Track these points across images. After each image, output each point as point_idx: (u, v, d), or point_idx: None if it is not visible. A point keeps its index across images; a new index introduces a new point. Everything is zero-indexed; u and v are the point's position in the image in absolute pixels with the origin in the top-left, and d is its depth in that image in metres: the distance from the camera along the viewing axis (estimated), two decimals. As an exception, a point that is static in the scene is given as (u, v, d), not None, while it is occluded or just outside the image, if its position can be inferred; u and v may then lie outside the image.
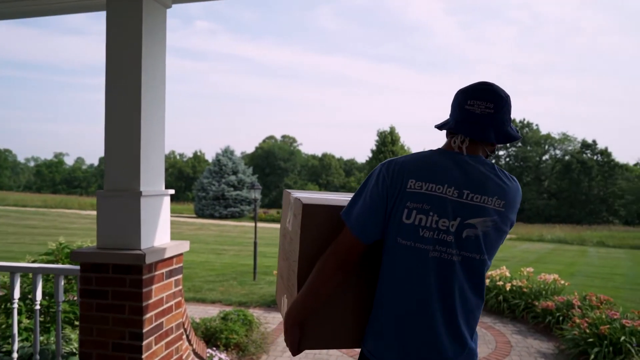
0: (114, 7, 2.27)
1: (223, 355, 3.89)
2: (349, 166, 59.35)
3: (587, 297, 5.52)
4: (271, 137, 64.35)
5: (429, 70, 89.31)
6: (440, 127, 1.39)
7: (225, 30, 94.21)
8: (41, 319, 3.33)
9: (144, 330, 2.18)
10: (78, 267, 2.34)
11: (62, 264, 3.69)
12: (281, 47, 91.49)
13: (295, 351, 1.36)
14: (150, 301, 2.21)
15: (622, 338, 4.12)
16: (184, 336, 2.63)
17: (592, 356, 4.08)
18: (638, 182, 40.83)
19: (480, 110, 1.29)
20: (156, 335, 2.29)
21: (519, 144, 44.99)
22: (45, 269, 2.66)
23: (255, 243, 8.21)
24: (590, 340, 4.24)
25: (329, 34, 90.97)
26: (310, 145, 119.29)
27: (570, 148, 44.98)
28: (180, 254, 2.53)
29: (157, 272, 2.27)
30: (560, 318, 5.10)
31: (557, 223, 31.33)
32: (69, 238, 5.42)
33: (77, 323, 3.34)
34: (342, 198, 1.50)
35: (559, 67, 76.59)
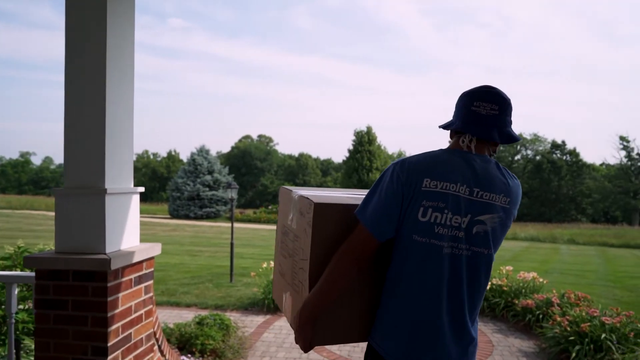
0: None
1: (198, 364, 3.69)
2: (326, 166, 59.39)
3: (566, 295, 5.56)
4: (247, 137, 63.82)
5: (403, 72, 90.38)
6: (445, 127, 1.45)
7: (200, 28, 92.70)
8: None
9: (110, 344, 1.96)
10: (33, 275, 2.09)
11: (21, 270, 3.40)
12: (257, 46, 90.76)
13: (307, 348, 1.38)
14: (117, 311, 1.99)
15: (603, 335, 4.13)
16: (156, 347, 2.42)
17: (574, 354, 4.08)
18: (604, 182, 42.42)
19: (486, 112, 1.36)
20: (123, 348, 2.08)
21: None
22: (-7, 276, 2.39)
23: (231, 244, 8.04)
24: (571, 338, 4.23)
25: (304, 34, 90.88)
26: (287, 145, 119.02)
27: (541, 148, 46.25)
28: (151, 258, 2.32)
29: (124, 279, 2.06)
30: (540, 316, 5.11)
31: (529, 222, 32.14)
32: (32, 241, 5.07)
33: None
34: (345, 195, 1.54)
35: (529, 70, 78.86)
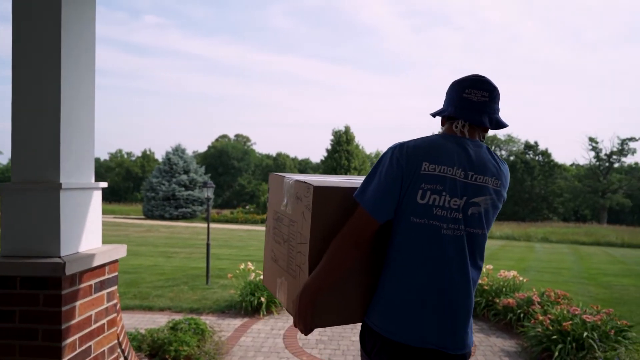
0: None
1: (171, 372, 3.47)
2: (304, 165, 59.19)
3: (546, 293, 5.56)
4: (224, 136, 63.05)
5: (380, 73, 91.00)
6: (437, 114, 1.50)
7: (176, 26, 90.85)
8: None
9: None
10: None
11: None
12: (233, 45, 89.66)
13: (308, 331, 1.40)
14: (73, 322, 1.75)
15: (585, 334, 4.10)
16: (121, 359, 2.19)
17: (556, 353, 4.04)
18: (574, 182, 43.74)
19: (477, 98, 1.42)
20: (82, 362, 1.84)
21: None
22: None
23: (207, 244, 7.79)
24: (554, 337, 4.20)
25: (282, 33, 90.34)
26: (264, 144, 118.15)
27: (514, 149, 47.33)
28: (115, 261, 2.09)
29: (82, 285, 1.82)
30: (521, 315, 5.08)
31: (503, 220, 32.77)
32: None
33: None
34: (340, 180, 1.56)
35: (502, 72, 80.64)
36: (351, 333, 4.81)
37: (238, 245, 14.64)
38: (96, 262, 1.90)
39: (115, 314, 2.08)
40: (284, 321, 5.27)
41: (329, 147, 35.01)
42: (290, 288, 1.50)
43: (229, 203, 48.25)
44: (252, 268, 6.08)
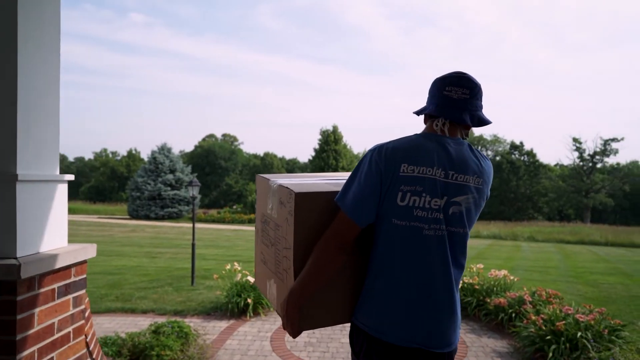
0: None
1: (150, 380, 3.28)
2: (291, 165, 58.94)
3: (537, 292, 5.48)
4: (211, 136, 62.46)
5: (368, 73, 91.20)
6: (419, 112, 1.49)
7: (163, 24, 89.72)
8: None
9: (21, 373, 1.53)
10: None
11: None
12: (221, 44, 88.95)
13: (296, 333, 1.41)
14: (31, 331, 1.55)
15: (579, 334, 4.02)
16: (91, 369, 2.00)
17: (550, 354, 3.94)
18: (558, 181, 44.34)
19: (457, 96, 1.40)
20: (42, 376, 1.64)
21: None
22: None
23: (193, 245, 7.58)
24: (547, 337, 4.11)
25: (269, 33, 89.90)
26: (252, 144, 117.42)
27: (500, 149, 47.79)
28: (83, 262, 1.89)
29: (42, 289, 1.62)
30: (513, 315, 4.99)
31: (490, 220, 33.05)
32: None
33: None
34: (323, 182, 1.53)
35: (489, 73, 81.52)
36: (340, 335, 4.66)
37: (225, 245, 14.40)
38: (60, 264, 1.70)
39: (82, 321, 1.88)
40: (272, 323, 5.10)
41: (317, 146, 34.90)
42: (279, 290, 1.50)
43: (216, 203, 47.77)
44: (239, 268, 5.90)
